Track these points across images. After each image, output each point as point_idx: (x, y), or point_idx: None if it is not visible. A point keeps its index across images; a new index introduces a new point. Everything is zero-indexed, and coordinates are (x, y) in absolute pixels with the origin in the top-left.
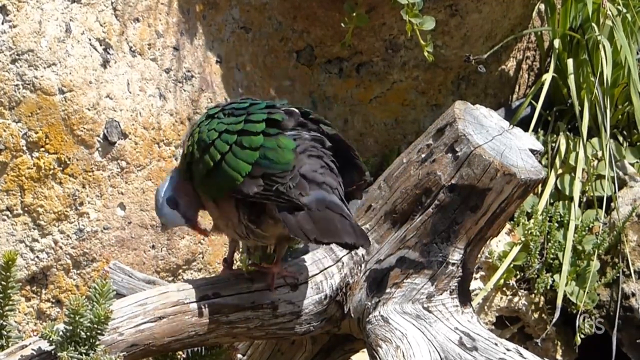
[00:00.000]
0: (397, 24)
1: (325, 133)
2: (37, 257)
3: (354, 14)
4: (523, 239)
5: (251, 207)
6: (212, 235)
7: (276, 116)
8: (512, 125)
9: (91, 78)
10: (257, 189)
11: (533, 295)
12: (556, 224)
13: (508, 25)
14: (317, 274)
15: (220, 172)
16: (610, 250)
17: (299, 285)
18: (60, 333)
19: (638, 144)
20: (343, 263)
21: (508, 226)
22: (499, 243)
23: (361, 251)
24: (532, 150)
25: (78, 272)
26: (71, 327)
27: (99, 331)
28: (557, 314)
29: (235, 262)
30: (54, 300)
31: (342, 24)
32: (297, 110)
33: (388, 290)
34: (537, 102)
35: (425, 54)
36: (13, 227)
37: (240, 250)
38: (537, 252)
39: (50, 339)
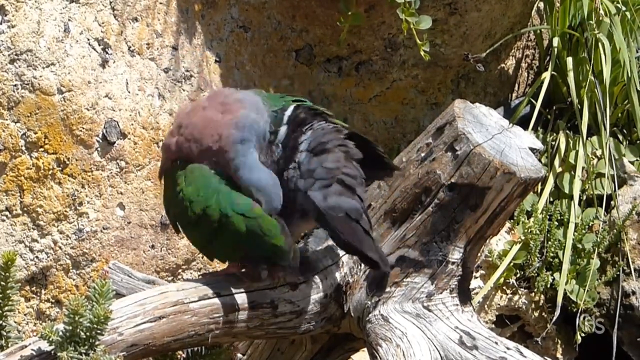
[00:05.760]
0: (396, 23)
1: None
2: (37, 257)
3: (350, 13)
4: (523, 237)
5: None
6: None
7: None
8: (511, 124)
9: (90, 78)
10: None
11: (533, 293)
12: (556, 223)
13: (507, 23)
14: (317, 273)
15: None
16: (610, 248)
17: (299, 284)
18: (60, 333)
19: (638, 142)
20: (343, 262)
21: (508, 225)
22: (498, 242)
23: None
24: (531, 149)
25: (77, 272)
26: (71, 327)
27: (98, 331)
28: (557, 313)
29: None
30: (53, 301)
31: (338, 23)
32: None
33: (388, 289)
34: (536, 100)
35: (422, 53)
36: (12, 227)
37: None
38: (537, 250)
39: (50, 339)
